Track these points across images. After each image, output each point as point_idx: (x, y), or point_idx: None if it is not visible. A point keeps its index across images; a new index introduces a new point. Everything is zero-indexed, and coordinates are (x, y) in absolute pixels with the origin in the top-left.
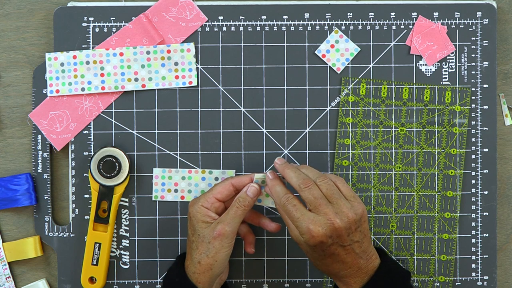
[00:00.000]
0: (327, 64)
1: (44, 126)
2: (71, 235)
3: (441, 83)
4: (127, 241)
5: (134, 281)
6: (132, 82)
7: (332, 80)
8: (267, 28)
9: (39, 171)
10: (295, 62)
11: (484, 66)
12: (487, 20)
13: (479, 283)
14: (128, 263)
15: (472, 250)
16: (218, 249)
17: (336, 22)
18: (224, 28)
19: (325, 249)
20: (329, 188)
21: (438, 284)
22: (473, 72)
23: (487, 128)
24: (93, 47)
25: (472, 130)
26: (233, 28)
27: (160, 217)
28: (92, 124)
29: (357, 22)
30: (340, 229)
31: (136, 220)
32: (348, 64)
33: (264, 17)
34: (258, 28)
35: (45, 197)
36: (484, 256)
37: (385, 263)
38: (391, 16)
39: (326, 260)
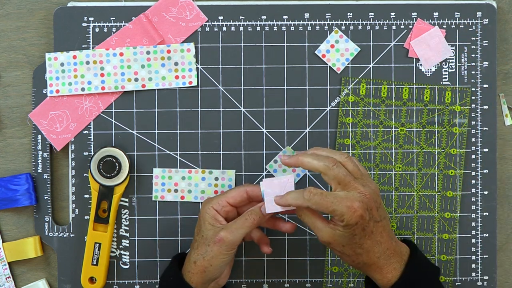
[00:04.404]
0: (327, 64)
1: (44, 126)
2: (71, 235)
3: (441, 83)
4: (127, 241)
5: (134, 281)
6: (132, 82)
7: (332, 80)
8: (267, 28)
9: (39, 171)
10: (295, 62)
11: (484, 66)
12: (487, 20)
13: (479, 283)
14: (128, 263)
15: (472, 250)
16: (215, 254)
17: (336, 22)
18: (224, 28)
19: (365, 226)
20: (354, 165)
21: None
22: (473, 72)
23: (487, 128)
24: (93, 47)
25: (472, 130)
26: (233, 28)
27: (160, 217)
28: (92, 124)
29: (357, 22)
30: (370, 201)
31: (136, 220)
32: (348, 64)
33: (264, 17)
34: (258, 28)
35: (45, 197)
36: (484, 256)
37: (414, 252)
38: (391, 16)
39: (366, 244)
